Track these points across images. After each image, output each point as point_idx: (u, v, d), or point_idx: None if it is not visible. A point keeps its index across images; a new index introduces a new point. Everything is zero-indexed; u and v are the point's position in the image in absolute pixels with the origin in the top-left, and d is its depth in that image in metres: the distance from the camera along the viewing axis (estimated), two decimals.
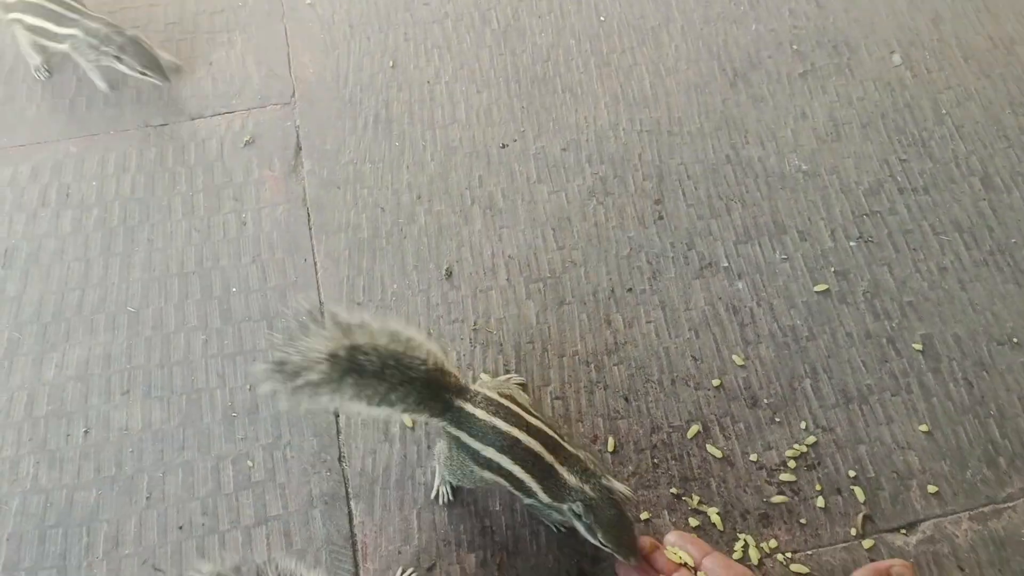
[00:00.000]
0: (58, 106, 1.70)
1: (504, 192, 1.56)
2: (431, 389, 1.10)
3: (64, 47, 1.64)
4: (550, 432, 1.11)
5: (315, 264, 1.49)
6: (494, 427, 1.10)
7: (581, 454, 1.11)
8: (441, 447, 1.20)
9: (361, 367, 1.05)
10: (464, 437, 1.12)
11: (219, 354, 1.40)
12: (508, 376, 1.35)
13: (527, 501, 1.14)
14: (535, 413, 1.14)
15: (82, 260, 1.50)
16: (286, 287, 1.46)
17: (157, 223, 1.54)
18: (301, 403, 1.05)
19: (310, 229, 1.53)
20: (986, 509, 1.22)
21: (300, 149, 1.62)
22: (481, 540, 1.23)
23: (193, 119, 1.67)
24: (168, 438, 1.33)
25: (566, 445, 1.11)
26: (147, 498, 1.28)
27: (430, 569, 1.21)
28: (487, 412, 1.11)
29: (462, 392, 1.13)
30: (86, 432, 1.33)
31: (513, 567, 1.21)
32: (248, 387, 1.36)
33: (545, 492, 1.10)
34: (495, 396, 1.13)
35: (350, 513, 1.27)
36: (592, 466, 1.10)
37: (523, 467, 1.09)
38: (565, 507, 1.09)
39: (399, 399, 1.09)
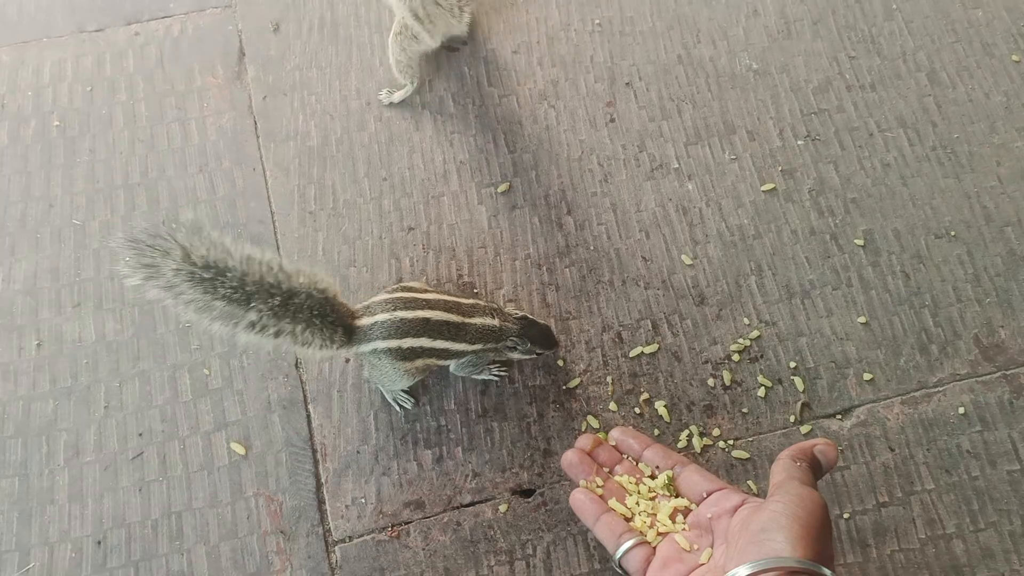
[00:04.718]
0: None
1: (455, 96, 1.54)
2: (328, 317, 1.13)
3: None
4: (447, 297, 1.21)
5: (264, 173, 1.47)
6: (402, 319, 1.16)
7: (481, 302, 1.23)
8: (368, 371, 1.25)
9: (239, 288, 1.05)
10: (380, 344, 1.16)
11: None
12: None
13: (458, 364, 1.24)
14: (428, 288, 1.24)
15: (22, 173, 1.47)
16: (235, 197, 1.45)
17: (98, 133, 1.50)
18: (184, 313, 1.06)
19: (257, 138, 1.50)
20: (917, 393, 1.29)
21: (243, 55, 1.58)
22: (437, 438, 1.27)
23: (129, 23, 1.61)
24: (123, 349, 1.33)
25: (463, 301, 1.21)
26: (105, 407, 1.29)
27: (387, 469, 1.25)
28: (387, 312, 1.16)
29: (354, 314, 1.18)
30: (39, 345, 1.33)
31: (469, 462, 1.26)
32: None
33: (471, 343, 1.20)
34: (385, 296, 1.19)
35: (308, 416, 1.30)
36: (494, 306, 1.23)
37: (444, 337, 1.18)
38: (499, 345, 1.21)
39: (295, 329, 1.12)
